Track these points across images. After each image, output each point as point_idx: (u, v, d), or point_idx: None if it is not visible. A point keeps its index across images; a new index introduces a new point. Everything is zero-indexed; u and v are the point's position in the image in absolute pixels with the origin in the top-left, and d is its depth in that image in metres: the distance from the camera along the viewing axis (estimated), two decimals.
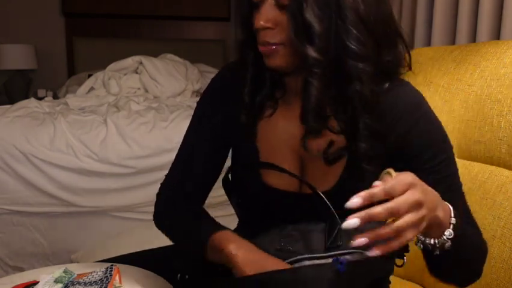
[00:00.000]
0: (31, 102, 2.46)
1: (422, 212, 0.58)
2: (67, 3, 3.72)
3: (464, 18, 1.56)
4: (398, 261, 0.73)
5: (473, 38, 1.54)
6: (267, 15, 0.72)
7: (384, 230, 0.56)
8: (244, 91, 0.82)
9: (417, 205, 0.57)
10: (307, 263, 0.72)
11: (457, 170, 0.79)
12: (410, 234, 0.57)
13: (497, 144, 0.97)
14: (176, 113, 2.26)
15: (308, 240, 0.75)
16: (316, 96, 0.72)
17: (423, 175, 0.71)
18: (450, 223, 0.65)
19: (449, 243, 0.65)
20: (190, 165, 0.91)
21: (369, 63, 0.71)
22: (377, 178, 0.69)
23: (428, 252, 0.68)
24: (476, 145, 1.02)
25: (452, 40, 1.66)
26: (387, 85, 0.76)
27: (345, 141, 0.77)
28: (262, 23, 0.72)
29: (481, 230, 0.94)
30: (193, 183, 0.91)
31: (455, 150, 1.07)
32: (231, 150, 0.92)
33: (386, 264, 0.73)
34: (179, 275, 0.79)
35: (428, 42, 1.76)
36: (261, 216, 0.85)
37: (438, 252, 0.66)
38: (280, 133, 0.83)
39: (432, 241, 0.66)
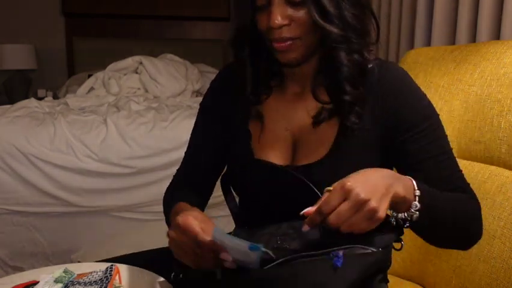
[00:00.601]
0: (31, 102, 2.46)
1: (365, 204, 0.62)
2: (67, 3, 3.72)
3: (464, 18, 1.56)
4: (396, 245, 0.76)
5: (473, 38, 1.54)
6: (282, 13, 0.78)
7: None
8: (247, 83, 0.88)
9: (357, 203, 0.62)
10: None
11: (445, 134, 0.84)
12: (362, 225, 0.63)
13: (497, 144, 0.97)
14: (176, 113, 2.26)
15: (304, 237, 0.76)
16: (348, 67, 0.79)
17: (413, 142, 0.80)
18: (415, 195, 0.69)
19: (416, 215, 0.69)
20: (195, 162, 0.99)
21: (363, 37, 0.81)
22: (367, 144, 0.82)
23: (405, 225, 0.72)
24: (476, 145, 1.02)
25: (452, 40, 1.65)
26: (372, 59, 0.84)
27: (332, 112, 0.84)
28: (278, 21, 0.77)
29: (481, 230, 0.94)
30: (198, 175, 0.99)
31: (455, 151, 1.07)
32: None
33: (384, 255, 0.73)
34: (172, 274, 0.79)
35: (428, 42, 1.76)
36: (257, 208, 0.90)
37: (408, 224, 0.71)
38: (273, 116, 0.89)
39: (401, 215, 0.70)
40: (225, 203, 0.95)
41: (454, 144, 1.07)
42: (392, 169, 0.86)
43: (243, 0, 0.85)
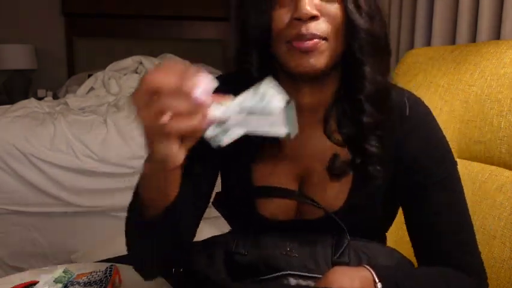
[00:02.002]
0: (31, 102, 2.46)
1: None
2: (67, 3, 3.72)
3: (464, 18, 1.56)
4: None
5: (473, 38, 1.54)
6: (312, 3, 0.65)
7: None
8: None
9: None
10: (291, 280, 0.71)
11: (462, 189, 0.75)
12: None
13: (497, 144, 0.97)
14: None
15: (314, 249, 0.73)
16: (372, 83, 0.69)
17: (426, 191, 0.72)
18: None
19: None
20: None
21: (388, 53, 0.73)
22: (383, 193, 0.72)
23: None
24: (476, 145, 1.02)
25: (452, 40, 1.65)
26: (391, 86, 0.74)
27: (349, 155, 0.73)
28: (308, 10, 0.64)
29: (481, 230, 0.94)
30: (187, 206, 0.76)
31: (455, 151, 1.07)
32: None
33: None
34: (173, 269, 0.78)
35: (428, 42, 1.76)
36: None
37: None
38: (279, 156, 0.76)
39: None
40: None
41: (454, 144, 1.07)
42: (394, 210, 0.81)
43: None
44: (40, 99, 2.81)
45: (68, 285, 0.79)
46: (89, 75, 3.10)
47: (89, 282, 0.79)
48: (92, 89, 2.94)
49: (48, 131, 2.06)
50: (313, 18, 0.65)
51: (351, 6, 0.67)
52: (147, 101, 0.49)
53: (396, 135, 0.73)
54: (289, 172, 0.76)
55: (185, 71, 0.50)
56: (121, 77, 2.95)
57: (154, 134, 0.51)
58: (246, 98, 0.50)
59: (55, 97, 3.22)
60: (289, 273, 0.70)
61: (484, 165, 1.01)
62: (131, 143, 2.08)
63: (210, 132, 0.51)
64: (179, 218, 0.66)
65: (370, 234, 0.77)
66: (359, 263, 0.70)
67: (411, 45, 1.87)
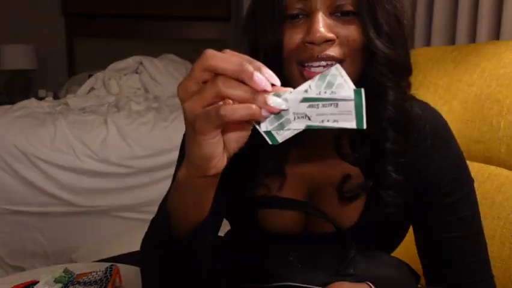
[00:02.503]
0: (32, 102, 2.46)
1: None
2: (67, 3, 3.73)
3: (464, 19, 1.56)
4: None
5: (472, 38, 1.55)
6: (327, 25, 0.59)
7: None
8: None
9: None
10: None
11: (478, 210, 0.71)
12: None
13: (496, 144, 0.97)
14: (176, 113, 2.26)
15: (318, 260, 0.70)
16: (394, 102, 0.63)
17: (442, 210, 0.68)
18: None
19: None
20: None
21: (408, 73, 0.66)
22: (397, 215, 0.68)
23: None
24: (475, 145, 1.02)
25: (452, 40, 1.66)
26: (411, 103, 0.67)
27: (361, 176, 0.69)
28: (321, 33, 0.58)
29: None
30: None
31: None
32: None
33: None
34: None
35: (428, 43, 1.76)
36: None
37: None
38: (290, 176, 0.72)
39: None
40: None
41: None
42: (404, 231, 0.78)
43: (260, 11, 0.64)
44: (41, 99, 2.81)
45: (69, 285, 0.79)
46: (90, 76, 3.10)
47: (90, 282, 0.79)
48: (92, 89, 2.94)
49: (48, 131, 2.06)
50: (328, 41, 0.59)
51: (369, 27, 0.60)
52: (200, 86, 0.44)
53: (417, 160, 0.68)
54: (298, 189, 0.73)
55: (244, 57, 0.44)
56: (121, 77, 2.95)
57: (204, 125, 0.44)
58: (310, 87, 0.43)
59: (56, 97, 3.22)
60: (290, 285, 0.67)
61: (483, 165, 1.01)
62: (131, 143, 2.08)
63: (265, 126, 0.45)
64: (207, 239, 0.59)
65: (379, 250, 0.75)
66: (364, 275, 0.68)
67: (411, 46, 1.88)
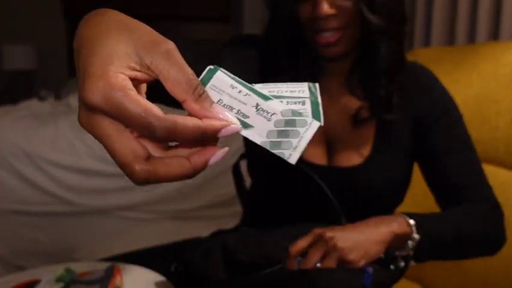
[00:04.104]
0: (33, 102, 2.47)
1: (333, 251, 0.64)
2: (68, 3, 3.73)
3: (463, 19, 1.56)
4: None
5: (471, 39, 1.55)
6: (329, 1, 0.74)
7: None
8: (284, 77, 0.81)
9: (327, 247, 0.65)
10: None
11: (469, 137, 0.84)
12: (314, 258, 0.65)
13: (495, 144, 0.98)
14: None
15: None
16: (386, 60, 0.77)
17: (432, 136, 0.80)
18: (410, 226, 0.69)
19: (414, 244, 0.69)
20: None
21: (404, 24, 0.80)
22: (404, 141, 0.80)
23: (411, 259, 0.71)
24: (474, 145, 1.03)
25: (451, 41, 1.66)
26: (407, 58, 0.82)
27: (370, 110, 0.81)
28: (325, 10, 0.73)
29: None
30: None
31: None
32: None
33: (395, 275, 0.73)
34: (173, 266, 0.79)
35: (427, 43, 1.77)
36: (274, 199, 0.87)
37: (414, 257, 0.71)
38: None
39: (402, 252, 0.70)
40: (227, 202, 0.94)
41: None
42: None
43: None
44: (42, 99, 2.82)
45: (70, 284, 0.79)
46: None
47: (91, 281, 0.80)
48: None
49: (50, 131, 2.07)
50: (332, 14, 0.74)
51: (362, 2, 0.74)
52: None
53: (413, 96, 0.81)
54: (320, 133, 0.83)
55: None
56: None
57: None
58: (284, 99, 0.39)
59: (57, 97, 3.23)
60: (280, 272, 0.70)
61: (482, 166, 1.01)
62: None
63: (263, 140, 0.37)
64: None
65: (387, 201, 0.83)
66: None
67: (410, 46, 1.88)
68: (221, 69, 0.38)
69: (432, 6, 1.70)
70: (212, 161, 0.35)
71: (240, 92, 0.38)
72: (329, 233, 0.66)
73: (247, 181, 0.96)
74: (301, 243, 0.67)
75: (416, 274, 1.11)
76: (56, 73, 3.77)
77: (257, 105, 0.37)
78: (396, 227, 0.68)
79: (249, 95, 0.38)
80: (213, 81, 0.38)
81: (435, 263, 1.05)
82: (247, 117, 0.37)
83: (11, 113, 2.22)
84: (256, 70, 0.85)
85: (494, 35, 1.46)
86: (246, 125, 0.37)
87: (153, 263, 0.86)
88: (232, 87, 0.38)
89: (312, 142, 0.76)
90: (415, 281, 1.12)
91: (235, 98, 0.37)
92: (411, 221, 0.70)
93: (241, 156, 0.93)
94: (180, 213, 2.04)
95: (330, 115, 0.83)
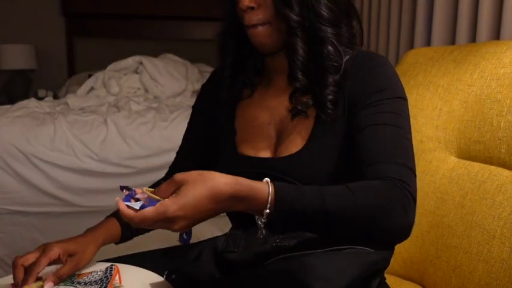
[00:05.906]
0: (31, 102, 2.46)
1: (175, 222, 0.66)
2: (67, 3, 3.72)
3: (464, 18, 1.56)
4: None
5: (472, 38, 1.55)
6: None
7: None
8: (224, 75, 0.91)
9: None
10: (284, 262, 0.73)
11: (399, 112, 0.80)
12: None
13: (496, 144, 0.97)
14: (177, 113, 2.26)
15: (302, 236, 0.78)
16: (301, 55, 0.81)
17: (359, 115, 0.79)
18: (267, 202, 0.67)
19: (264, 220, 0.68)
20: (183, 163, 1.00)
21: (337, 29, 0.82)
22: (340, 131, 0.81)
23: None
24: (475, 145, 1.02)
25: (452, 40, 1.66)
26: (351, 51, 0.85)
27: (312, 101, 0.84)
28: (246, 3, 0.79)
29: (480, 229, 0.94)
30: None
31: (454, 150, 1.07)
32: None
33: (382, 256, 0.74)
34: (166, 273, 0.79)
35: (428, 42, 1.76)
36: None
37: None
38: (258, 112, 0.90)
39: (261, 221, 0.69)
40: None
41: (453, 144, 1.07)
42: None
43: None
44: (40, 99, 2.81)
45: (69, 284, 0.79)
46: (90, 75, 3.09)
47: (90, 281, 0.79)
48: (92, 89, 2.94)
49: (48, 131, 2.06)
50: (252, 8, 0.80)
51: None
52: None
53: (346, 86, 0.82)
54: (266, 118, 0.89)
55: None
56: (121, 77, 2.94)
57: None
58: None
59: (55, 97, 3.22)
60: (280, 257, 0.71)
61: (483, 165, 1.01)
62: (131, 143, 2.08)
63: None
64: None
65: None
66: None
67: (411, 45, 1.88)
68: None
69: (433, 6, 1.70)
70: None
71: None
72: (175, 213, 0.66)
73: None
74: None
75: (417, 275, 1.11)
76: (54, 73, 3.77)
77: None
78: (251, 207, 0.67)
79: None
80: None
81: (436, 264, 1.04)
82: None
83: (9, 113, 2.22)
84: (214, 95, 0.95)
85: (496, 34, 1.46)
86: None
87: (152, 264, 0.86)
88: None
89: (262, 137, 0.89)
90: (416, 282, 1.11)
91: None
92: (271, 190, 0.67)
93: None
94: None
95: (278, 109, 0.88)
